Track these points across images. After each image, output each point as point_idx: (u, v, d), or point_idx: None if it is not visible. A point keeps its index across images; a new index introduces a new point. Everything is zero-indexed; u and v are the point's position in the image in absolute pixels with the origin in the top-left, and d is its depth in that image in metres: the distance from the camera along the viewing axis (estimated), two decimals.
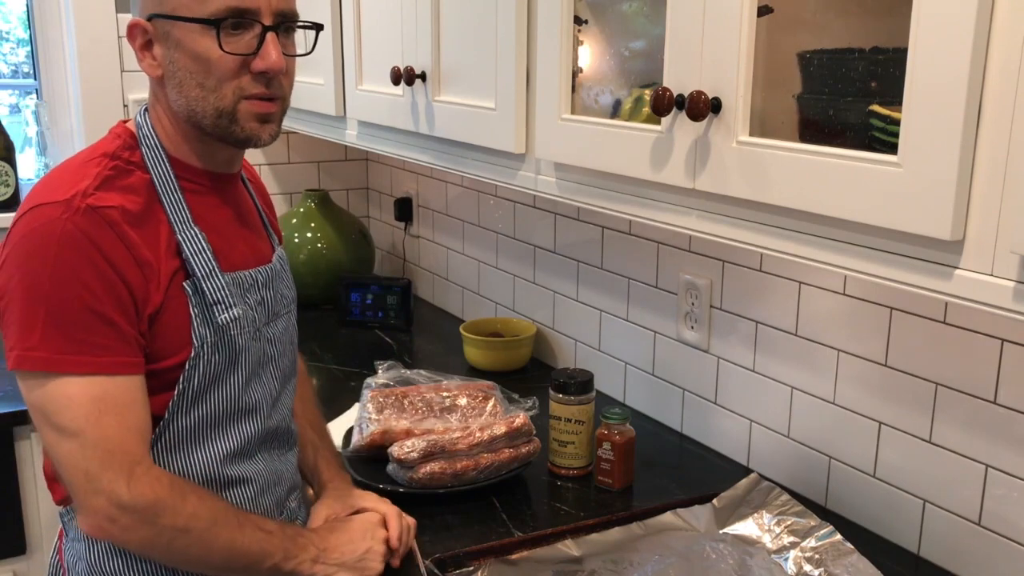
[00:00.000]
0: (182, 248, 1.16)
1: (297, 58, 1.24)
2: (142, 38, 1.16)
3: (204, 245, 1.18)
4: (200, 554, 1.15)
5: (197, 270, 1.17)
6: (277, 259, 1.33)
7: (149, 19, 1.15)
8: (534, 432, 1.57)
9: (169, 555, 1.16)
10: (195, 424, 1.19)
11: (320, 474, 1.44)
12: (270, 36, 1.15)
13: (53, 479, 1.24)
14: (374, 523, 1.32)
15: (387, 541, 1.31)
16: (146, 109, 1.23)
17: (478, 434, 1.51)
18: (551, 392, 1.61)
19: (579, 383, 1.59)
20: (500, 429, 1.53)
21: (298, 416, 1.43)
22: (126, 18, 2.49)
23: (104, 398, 1.09)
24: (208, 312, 1.17)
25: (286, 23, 1.18)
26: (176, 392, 1.16)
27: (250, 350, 1.23)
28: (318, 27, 1.29)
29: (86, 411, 1.08)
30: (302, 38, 1.27)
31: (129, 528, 1.11)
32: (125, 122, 1.23)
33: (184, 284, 1.16)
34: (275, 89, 1.19)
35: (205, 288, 1.17)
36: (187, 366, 1.16)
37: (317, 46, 1.34)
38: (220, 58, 1.13)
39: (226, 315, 1.19)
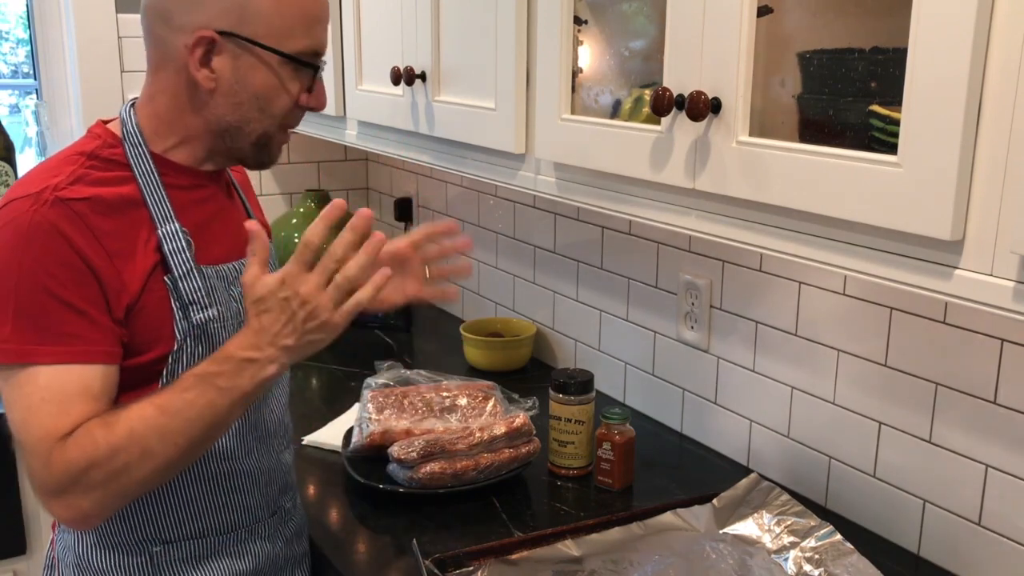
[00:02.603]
0: (162, 245, 1.16)
1: None
2: (205, 47, 1.14)
3: (183, 244, 1.17)
4: (155, 467, 1.07)
5: (175, 269, 1.16)
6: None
7: (220, 33, 1.13)
8: (534, 432, 1.57)
9: (139, 490, 1.10)
10: None
11: None
12: (321, 76, 1.21)
13: None
14: (278, 281, 1.08)
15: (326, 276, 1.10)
16: (132, 106, 1.22)
17: (478, 434, 1.51)
18: (551, 392, 1.61)
19: (579, 383, 1.59)
20: (500, 429, 1.53)
21: None
22: (126, 18, 2.49)
23: (57, 387, 1.06)
24: (184, 310, 1.18)
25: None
26: (160, 385, 1.16)
27: None
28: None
29: (31, 404, 1.06)
30: None
31: (78, 504, 1.06)
32: (106, 122, 1.22)
33: (165, 279, 1.16)
34: None
35: (181, 288, 1.17)
36: (170, 359, 1.16)
37: None
38: (291, 92, 1.18)
39: (201, 315, 1.18)
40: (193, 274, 1.18)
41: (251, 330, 1.08)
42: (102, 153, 1.17)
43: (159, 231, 1.16)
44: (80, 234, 1.09)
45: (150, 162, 1.18)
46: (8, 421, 1.10)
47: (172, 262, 1.16)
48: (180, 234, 1.17)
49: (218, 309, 1.20)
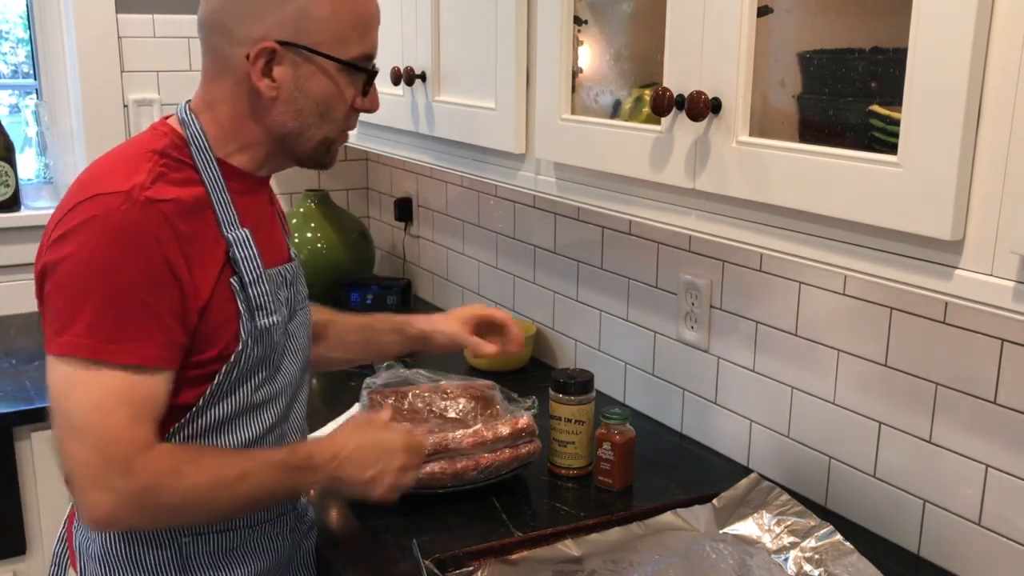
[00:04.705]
0: (231, 248, 1.18)
1: None
2: (267, 58, 1.16)
3: (253, 250, 1.20)
4: (206, 516, 1.19)
5: (245, 275, 1.19)
6: (295, 256, 1.37)
7: (280, 44, 1.16)
8: (536, 433, 1.57)
9: (179, 524, 1.21)
10: (221, 414, 1.20)
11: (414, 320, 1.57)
12: (375, 80, 1.25)
13: None
14: (394, 449, 1.28)
15: (403, 467, 1.29)
16: (190, 108, 1.22)
17: (484, 434, 1.51)
18: (551, 392, 1.61)
19: (579, 383, 1.59)
20: (504, 430, 1.52)
21: (339, 319, 1.54)
22: (126, 18, 2.49)
23: (128, 390, 1.09)
24: (251, 314, 1.20)
25: None
26: (213, 383, 1.18)
27: (280, 346, 1.26)
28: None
29: (100, 401, 1.08)
30: None
31: (131, 517, 1.12)
32: (166, 118, 1.24)
33: (231, 280, 1.18)
34: None
35: (251, 293, 1.20)
36: (231, 359, 1.18)
37: None
38: (347, 98, 1.21)
39: (266, 320, 1.21)
40: (262, 279, 1.21)
41: (360, 458, 1.25)
42: (172, 153, 1.18)
43: (229, 235, 1.18)
44: (169, 239, 1.11)
45: (216, 167, 1.20)
46: (59, 408, 1.10)
47: (243, 268, 1.19)
48: (248, 240, 1.20)
49: (281, 315, 1.24)
